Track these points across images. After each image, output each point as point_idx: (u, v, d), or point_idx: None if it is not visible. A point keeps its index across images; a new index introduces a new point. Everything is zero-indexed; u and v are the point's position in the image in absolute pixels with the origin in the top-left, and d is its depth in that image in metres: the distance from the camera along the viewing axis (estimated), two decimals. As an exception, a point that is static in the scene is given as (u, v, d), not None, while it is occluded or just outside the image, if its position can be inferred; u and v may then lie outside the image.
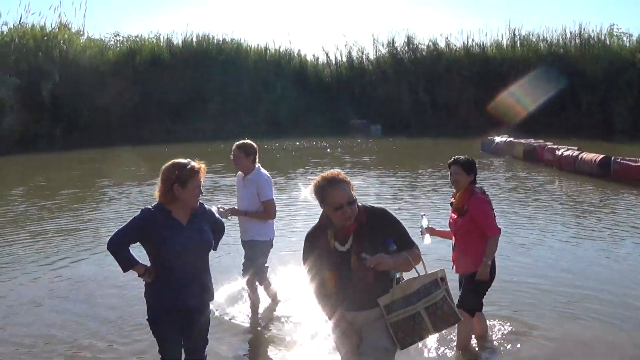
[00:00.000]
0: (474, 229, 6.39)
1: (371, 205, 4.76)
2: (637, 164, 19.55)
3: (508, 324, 7.53)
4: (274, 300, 8.55)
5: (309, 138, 37.11)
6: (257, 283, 8.32)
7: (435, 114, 44.60)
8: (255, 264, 8.14)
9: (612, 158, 20.35)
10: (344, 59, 50.14)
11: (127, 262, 5.20)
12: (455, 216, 6.56)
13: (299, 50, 50.04)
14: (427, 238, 6.73)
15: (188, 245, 5.16)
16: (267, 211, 7.96)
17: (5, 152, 31.57)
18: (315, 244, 4.67)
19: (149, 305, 5.29)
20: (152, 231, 5.11)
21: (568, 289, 8.86)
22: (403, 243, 4.62)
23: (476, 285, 6.43)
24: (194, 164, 5.21)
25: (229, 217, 7.94)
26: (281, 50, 49.34)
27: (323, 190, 4.53)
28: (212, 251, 5.41)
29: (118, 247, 5.15)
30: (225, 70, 44.45)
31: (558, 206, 15.84)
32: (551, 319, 7.73)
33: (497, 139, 30.32)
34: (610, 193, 17.63)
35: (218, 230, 5.55)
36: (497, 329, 7.38)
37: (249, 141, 7.95)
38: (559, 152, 23.56)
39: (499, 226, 6.48)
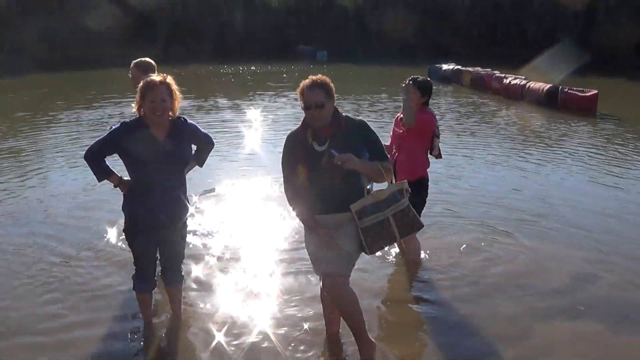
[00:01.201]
0: (419, 142, 6.72)
1: (353, 116, 5.01)
2: (583, 94, 19.68)
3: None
4: None
5: (256, 63, 36.68)
6: None
7: (381, 41, 44.35)
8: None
9: (560, 88, 20.45)
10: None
11: (102, 172, 5.25)
12: (401, 131, 6.73)
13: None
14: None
15: (160, 159, 5.17)
16: None
17: None
18: (295, 142, 4.89)
19: (125, 217, 5.35)
20: (127, 144, 5.11)
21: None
22: (377, 154, 4.82)
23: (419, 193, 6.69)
24: (153, 77, 5.17)
25: None
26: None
27: (302, 90, 4.82)
28: (198, 167, 5.71)
29: (94, 156, 5.20)
30: None
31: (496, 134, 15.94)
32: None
33: (445, 66, 30.29)
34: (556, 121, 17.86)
35: (204, 147, 5.58)
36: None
37: (147, 58, 7.40)
38: (506, 81, 23.64)
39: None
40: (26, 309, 6.11)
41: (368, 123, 4.96)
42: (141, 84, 5.17)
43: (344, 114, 4.92)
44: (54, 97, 23.94)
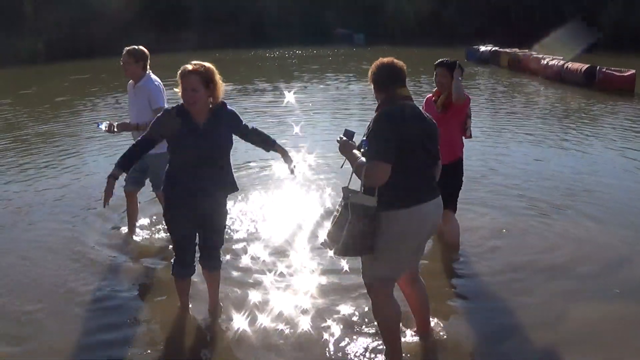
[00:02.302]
0: (456, 122, 6.70)
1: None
2: (620, 74, 19.70)
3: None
4: None
5: (293, 48, 36.81)
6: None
7: (419, 22, 44.24)
8: (159, 177, 7.70)
9: (597, 68, 20.45)
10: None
11: (121, 164, 5.33)
12: (437, 112, 6.58)
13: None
14: None
15: (200, 144, 5.21)
16: None
17: None
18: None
19: (165, 199, 5.46)
20: (168, 131, 5.21)
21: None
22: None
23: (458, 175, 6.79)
24: (186, 66, 5.20)
25: (116, 132, 7.63)
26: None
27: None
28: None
29: (135, 147, 5.35)
30: None
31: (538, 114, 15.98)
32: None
33: (482, 47, 30.30)
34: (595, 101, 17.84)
35: (257, 135, 5.65)
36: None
37: (140, 46, 7.53)
38: (544, 62, 23.62)
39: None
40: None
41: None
42: (179, 73, 5.20)
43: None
44: (95, 83, 24.55)
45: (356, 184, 4.50)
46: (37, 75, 28.79)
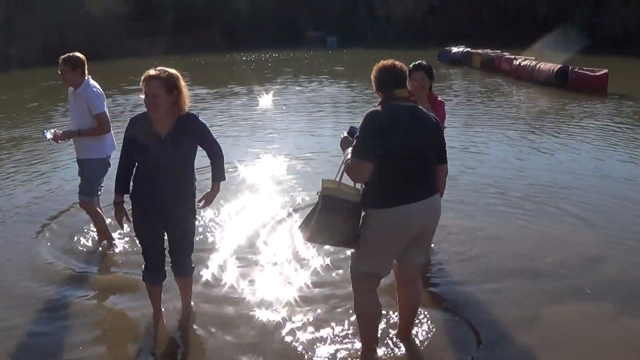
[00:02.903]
0: None
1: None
2: (594, 74, 19.77)
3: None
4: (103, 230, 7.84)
5: (266, 51, 36.78)
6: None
7: (391, 25, 44.32)
8: (93, 184, 7.63)
9: (570, 68, 20.53)
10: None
11: (119, 186, 5.37)
12: None
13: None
14: None
15: (160, 156, 5.14)
16: (100, 125, 7.39)
17: None
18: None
19: (132, 206, 5.40)
20: (132, 138, 5.19)
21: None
22: None
23: None
24: (149, 71, 5.10)
25: (60, 141, 7.61)
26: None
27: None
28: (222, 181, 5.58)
29: (120, 168, 5.37)
30: None
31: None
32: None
33: (455, 49, 30.37)
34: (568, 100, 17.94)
35: (216, 161, 5.53)
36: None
37: (75, 53, 7.38)
38: (516, 62, 23.69)
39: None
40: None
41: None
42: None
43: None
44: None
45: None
46: (9, 81, 28.46)
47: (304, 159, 11.65)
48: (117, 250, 7.63)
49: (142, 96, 5.07)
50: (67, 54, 7.38)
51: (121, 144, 5.27)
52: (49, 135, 7.54)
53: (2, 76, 29.75)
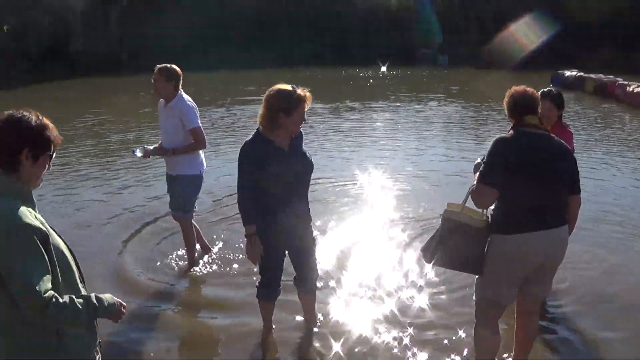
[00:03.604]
0: None
1: None
2: None
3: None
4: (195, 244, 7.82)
5: (375, 66, 37.09)
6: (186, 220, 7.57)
7: (502, 45, 43.94)
8: (188, 201, 7.42)
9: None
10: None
11: (246, 216, 5.23)
12: None
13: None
14: None
15: (290, 170, 5.21)
16: (196, 140, 7.14)
17: (71, 76, 31.71)
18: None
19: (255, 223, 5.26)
20: (259, 159, 5.10)
21: None
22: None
23: None
24: (300, 92, 5.10)
25: (150, 156, 7.43)
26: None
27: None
28: None
29: (242, 196, 5.21)
30: None
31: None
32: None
33: (568, 73, 30.17)
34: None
35: None
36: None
37: (172, 65, 7.15)
38: (629, 89, 23.42)
39: None
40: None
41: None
42: (283, 99, 5.06)
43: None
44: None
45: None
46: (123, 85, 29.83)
47: (416, 176, 11.89)
48: (203, 266, 7.65)
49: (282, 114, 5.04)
50: (164, 64, 7.19)
51: (237, 171, 5.16)
52: (139, 154, 7.31)
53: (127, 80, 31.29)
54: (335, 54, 40.96)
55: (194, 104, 7.21)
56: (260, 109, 5.19)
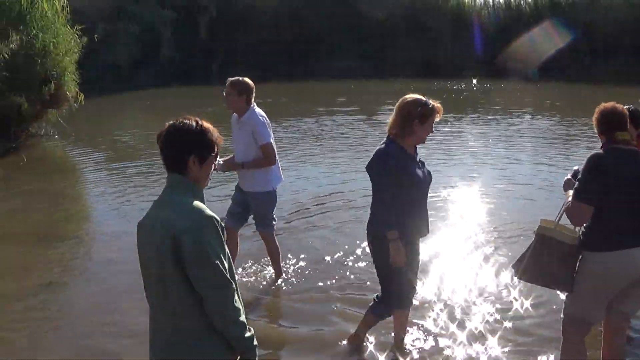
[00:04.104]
0: None
1: None
2: None
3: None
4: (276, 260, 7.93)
5: (465, 79, 37.16)
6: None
7: (592, 59, 43.18)
8: (264, 217, 7.48)
9: None
10: (502, 0, 49.15)
11: (388, 224, 5.30)
12: None
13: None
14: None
15: (424, 176, 5.45)
16: (265, 157, 7.13)
17: (161, 84, 32.53)
18: None
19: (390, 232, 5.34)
20: (397, 167, 5.26)
21: None
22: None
23: None
24: (433, 102, 5.35)
25: (221, 172, 7.43)
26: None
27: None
28: None
29: (384, 202, 5.33)
30: (376, 5, 44.28)
31: None
32: None
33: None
34: None
35: None
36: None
37: (245, 78, 7.14)
38: None
39: None
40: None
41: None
42: (420, 107, 5.24)
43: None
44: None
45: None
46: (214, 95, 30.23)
47: (506, 189, 12.22)
48: (286, 282, 7.83)
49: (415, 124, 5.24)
50: (236, 78, 7.13)
51: (378, 178, 5.30)
52: None
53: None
54: (425, 66, 40.72)
55: (266, 119, 7.21)
56: (391, 117, 5.41)
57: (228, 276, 3.31)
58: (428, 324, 6.66)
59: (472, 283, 7.66)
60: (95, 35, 24.16)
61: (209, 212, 3.40)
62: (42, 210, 11.59)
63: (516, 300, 7.14)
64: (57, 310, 7.62)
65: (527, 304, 7.05)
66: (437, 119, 5.42)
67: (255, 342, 3.46)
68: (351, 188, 12.07)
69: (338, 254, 8.68)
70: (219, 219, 3.42)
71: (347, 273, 8.20)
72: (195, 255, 3.25)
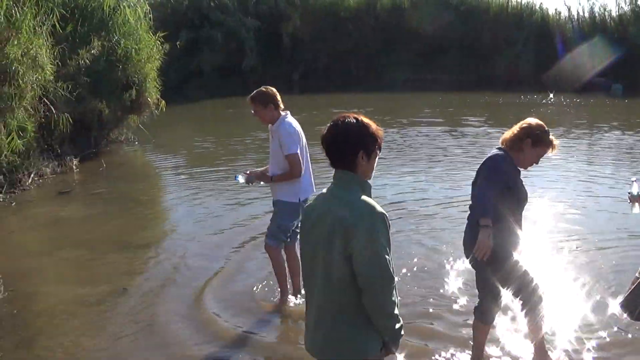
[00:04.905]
0: None
1: None
2: None
3: None
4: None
5: (543, 92, 36.77)
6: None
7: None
8: (281, 228, 7.22)
9: None
10: (586, 14, 48.43)
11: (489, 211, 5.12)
12: None
13: (540, 4, 48.72)
14: (637, 207, 5.81)
15: (526, 195, 5.52)
16: (290, 168, 6.90)
17: (243, 92, 32.52)
18: None
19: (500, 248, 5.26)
20: (508, 174, 5.30)
21: None
22: None
23: None
24: (553, 137, 5.43)
25: (252, 184, 7.38)
26: (523, 3, 48.39)
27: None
28: None
29: (485, 195, 5.19)
30: (465, 21, 44.23)
31: None
32: None
33: None
34: None
35: None
36: None
37: (262, 88, 7.01)
38: None
39: None
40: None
41: None
42: (540, 131, 5.29)
43: None
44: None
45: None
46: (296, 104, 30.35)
47: (590, 204, 12.23)
48: (289, 306, 7.62)
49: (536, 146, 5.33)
50: (255, 91, 7.04)
51: (486, 177, 5.21)
52: (241, 179, 7.19)
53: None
54: (506, 79, 40.34)
55: (296, 129, 7.01)
56: (511, 130, 5.48)
57: (392, 271, 3.41)
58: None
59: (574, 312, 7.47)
60: (178, 42, 24.64)
61: (379, 208, 3.53)
62: (119, 215, 11.96)
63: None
64: (134, 317, 7.65)
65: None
66: (548, 153, 5.46)
67: (402, 332, 3.58)
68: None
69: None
70: (387, 215, 3.53)
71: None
72: (366, 251, 3.37)
